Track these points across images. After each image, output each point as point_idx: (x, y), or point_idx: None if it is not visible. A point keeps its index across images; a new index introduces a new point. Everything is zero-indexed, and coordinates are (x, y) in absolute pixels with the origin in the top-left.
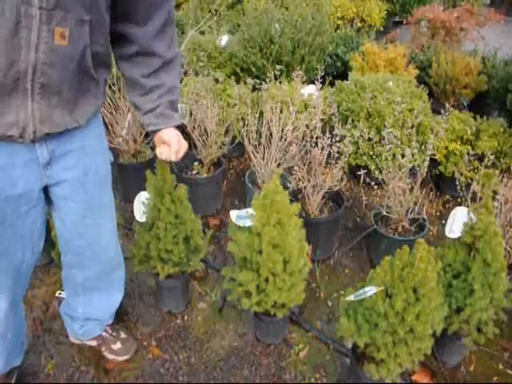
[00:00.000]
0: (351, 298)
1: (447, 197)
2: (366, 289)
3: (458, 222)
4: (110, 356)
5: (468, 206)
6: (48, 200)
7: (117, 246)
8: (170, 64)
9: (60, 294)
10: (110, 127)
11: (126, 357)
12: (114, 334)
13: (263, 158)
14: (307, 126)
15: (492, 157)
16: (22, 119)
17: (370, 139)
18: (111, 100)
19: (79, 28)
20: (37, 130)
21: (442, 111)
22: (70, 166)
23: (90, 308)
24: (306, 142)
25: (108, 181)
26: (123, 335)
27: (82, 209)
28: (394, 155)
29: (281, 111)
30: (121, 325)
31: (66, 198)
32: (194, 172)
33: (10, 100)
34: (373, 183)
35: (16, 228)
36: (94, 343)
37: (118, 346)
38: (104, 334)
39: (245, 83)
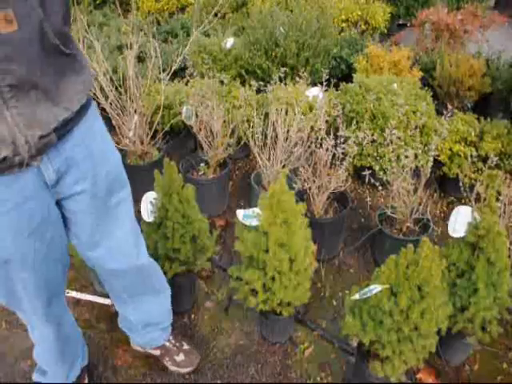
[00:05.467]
0: (356, 296)
1: (451, 198)
2: (371, 287)
3: (461, 221)
4: (173, 367)
5: (472, 207)
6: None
7: (142, 252)
8: None
9: (68, 292)
10: (117, 129)
11: (189, 369)
12: (177, 344)
13: (269, 159)
14: (312, 128)
15: (496, 158)
16: (6, 133)
17: (374, 140)
18: (118, 101)
19: (23, 4)
20: (29, 139)
21: (444, 112)
22: (78, 179)
23: (141, 314)
24: (311, 143)
25: (120, 182)
26: (186, 346)
27: (95, 217)
28: (398, 156)
29: (286, 113)
30: (182, 336)
31: (77, 211)
32: (200, 173)
33: None
34: (377, 184)
35: (50, 253)
36: (156, 353)
37: (181, 357)
38: (167, 343)
39: (250, 86)
